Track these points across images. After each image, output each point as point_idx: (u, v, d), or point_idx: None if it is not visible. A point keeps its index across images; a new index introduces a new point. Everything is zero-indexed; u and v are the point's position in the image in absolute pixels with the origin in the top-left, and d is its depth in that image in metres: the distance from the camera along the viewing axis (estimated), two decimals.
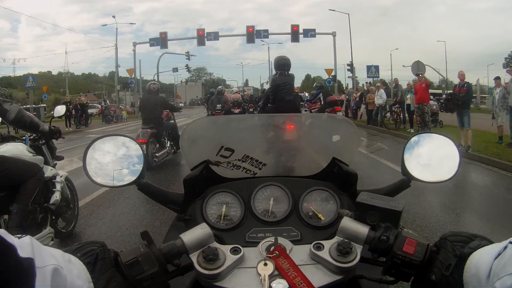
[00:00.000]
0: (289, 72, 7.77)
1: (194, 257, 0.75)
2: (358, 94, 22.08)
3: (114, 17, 35.25)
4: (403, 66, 33.78)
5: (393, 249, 0.72)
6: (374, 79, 26.73)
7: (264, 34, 30.64)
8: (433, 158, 1.03)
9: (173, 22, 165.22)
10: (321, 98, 15.72)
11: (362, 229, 0.76)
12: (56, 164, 4.10)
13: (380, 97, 17.19)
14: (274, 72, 8.19)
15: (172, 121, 10.19)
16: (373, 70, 26.62)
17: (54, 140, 4.09)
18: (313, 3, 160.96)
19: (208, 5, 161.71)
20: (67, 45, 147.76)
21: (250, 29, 29.70)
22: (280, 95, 7.53)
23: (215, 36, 30.91)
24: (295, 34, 29.41)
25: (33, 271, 0.49)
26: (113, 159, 1.05)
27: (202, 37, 30.22)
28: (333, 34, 31.48)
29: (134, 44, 34.89)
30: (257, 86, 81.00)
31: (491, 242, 0.66)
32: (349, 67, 31.77)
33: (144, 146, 7.45)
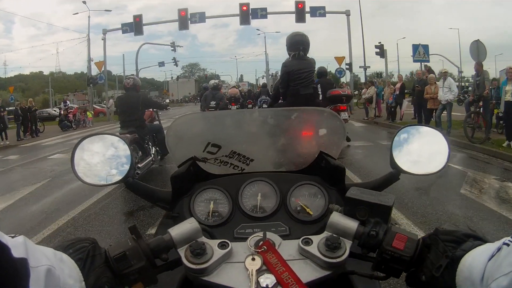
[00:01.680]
0: (307, 55, 5.87)
1: (182, 251, 0.74)
2: (399, 85, 16.02)
3: (85, 2, 31.05)
4: (411, 56, 29.04)
5: (382, 244, 0.71)
6: (424, 63, 18.66)
7: (261, 13, 24.43)
8: (422, 150, 1.02)
9: (167, 18, 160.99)
10: (320, 92, 9.75)
11: (351, 224, 0.76)
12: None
13: (448, 90, 11.25)
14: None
15: (157, 122, 8.67)
16: (421, 51, 19.36)
17: None
18: None
19: (203, 1, 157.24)
20: (61, 44, 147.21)
21: (245, 8, 23.57)
22: (294, 87, 5.71)
23: (200, 17, 24.53)
24: (300, 13, 23.38)
25: (27, 271, 0.50)
26: (100, 158, 1.05)
27: (184, 19, 24.20)
28: (347, 13, 25.82)
29: (104, 32, 28.25)
30: (253, 81, 76.47)
31: (484, 242, 0.65)
32: (378, 49, 26.11)
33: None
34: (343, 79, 26.82)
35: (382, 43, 26.33)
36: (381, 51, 26.33)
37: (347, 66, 26.27)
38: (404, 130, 1.04)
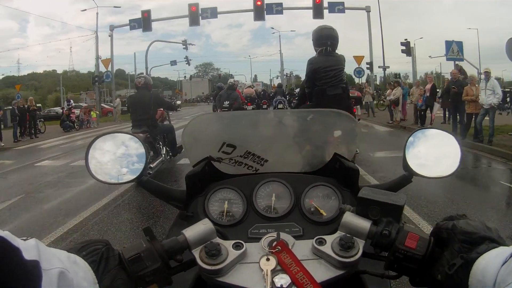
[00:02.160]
0: (336, 52, 5.27)
1: (196, 252, 0.75)
2: (429, 86, 14.49)
3: None
4: (429, 57, 27.39)
5: (395, 243, 0.72)
6: (457, 62, 16.46)
7: (277, 8, 23.01)
8: (434, 153, 1.03)
9: (181, 18, 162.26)
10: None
11: (364, 224, 0.76)
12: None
13: (492, 93, 9.66)
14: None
15: (167, 122, 8.68)
16: (455, 48, 16.85)
17: None
18: None
19: (215, 1, 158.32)
20: (75, 43, 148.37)
21: (259, 2, 22.37)
22: (320, 87, 5.13)
23: (212, 13, 23.57)
24: (318, 9, 22.13)
25: (39, 274, 0.49)
26: (114, 156, 1.05)
27: (195, 15, 23.20)
28: (367, 10, 25.04)
29: (111, 28, 27.28)
30: (267, 82, 75.23)
31: (499, 244, 0.66)
32: (404, 47, 24.15)
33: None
34: (360, 79, 26.04)
35: (408, 40, 24.53)
36: (407, 49, 24.42)
37: (368, 66, 24.75)
38: (418, 133, 1.04)
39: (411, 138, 1.03)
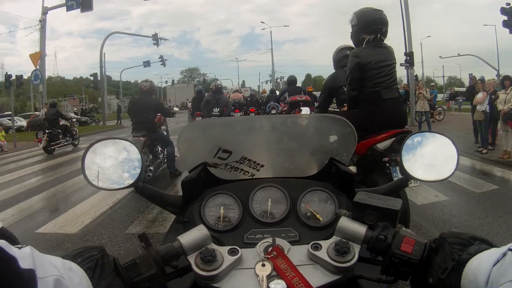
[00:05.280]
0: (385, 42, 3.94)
1: (192, 258, 0.77)
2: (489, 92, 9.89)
3: None
4: (440, 57, 24.81)
5: (391, 248, 0.74)
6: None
7: None
8: (431, 157, 1.05)
9: (170, 25, 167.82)
10: (287, 98, 12.43)
11: (360, 229, 0.78)
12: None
13: None
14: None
15: (164, 127, 9.01)
16: None
17: None
18: (312, 3, 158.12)
19: (206, 6, 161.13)
20: (65, 49, 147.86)
21: None
22: (373, 89, 3.80)
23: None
24: None
25: (34, 283, 0.51)
26: (111, 162, 1.08)
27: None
28: None
29: (44, 11, 22.65)
30: (256, 87, 74.79)
31: (490, 246, 0.68)
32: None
33: None
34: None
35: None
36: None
37: (408, 58, 18.79)
38: (414, 137, 1.07)
39: (408, 141, 1.07)
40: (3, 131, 16.14)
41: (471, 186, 6.60)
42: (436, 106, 15.71)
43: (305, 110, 9.10)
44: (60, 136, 14.27)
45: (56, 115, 14.18)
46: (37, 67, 20.71)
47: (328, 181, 1.18)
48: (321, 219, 1.07)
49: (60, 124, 14.25)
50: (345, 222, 0.80)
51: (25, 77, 20.92)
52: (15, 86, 19.41)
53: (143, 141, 7.22)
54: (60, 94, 61.17)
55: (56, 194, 7.43)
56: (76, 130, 15.70)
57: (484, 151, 9.78)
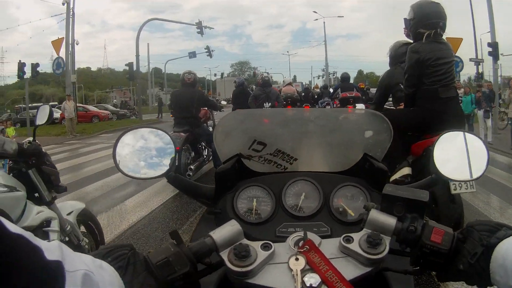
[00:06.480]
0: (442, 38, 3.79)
1: (224, 254, 0.76)
2: None
3: None
4: (501, 55, 20.44)
5: (421, 239, 0.75)
6: None
7: None
8: (462, 156, 1.06)
9: (222, 18, 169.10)
10: (339, 95, 12.07)
11: (390, 221, 0.79)
12: (55, 198, 2.73)
13: None
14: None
15: (211, 122, 8.75)
16: None
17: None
18: None
19: (258, 0, 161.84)
20: (116, 41, 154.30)
21: None
22: (430, 87, 3.67)
23: None
24: None
25: (62, 274, 0.49)
26: (143, 151, 1.08)
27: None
28: None
29: None
30: (307, 82, 73.05)
31: None
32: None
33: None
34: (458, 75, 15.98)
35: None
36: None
37: (490, 49, 15.42)
38: (446, 136, 1.07)
39: (439, 140, 1.06)
40: (11, 127, 14.25)
41: None
42: None
43: (360, 107, 8.81)
44: None
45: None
46: (60, 54, 19.37)
47: (361, 177, 1.17)
48: (353, 214, 1.07)
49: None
50: (375, 214, 0.80)
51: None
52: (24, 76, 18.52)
53: (184, 137, 6.67)
54: (109, 85, 63.28)
55: None
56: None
57: None
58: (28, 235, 0.47)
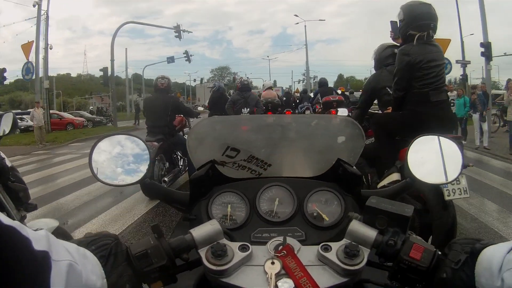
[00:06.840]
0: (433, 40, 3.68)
1: (202, 252, 0.77)
2: None
3: None
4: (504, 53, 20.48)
5: (400, 254, 0.75)
6: None
7: None
8: (437, 160, 1.06)
9: (204, 24, 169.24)
10: (320, 100, 12.14)
11: (370, 233, 0.79)
12: (25, 217, 2.66)
13: None
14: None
15: (187, 129, 8.00)
16: None
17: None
18: (348, 3, 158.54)
19: (240, 6, 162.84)
20: (97, 47, 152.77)
21: None
22: (420, 90, 3.58)
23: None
24: None
25: (48, 264, 0.51)
26: (118, 158, 1.08)
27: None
28: None
29: None
30: (287, 87, 72.66)
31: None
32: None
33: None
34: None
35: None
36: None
37: (483, 50, 15.17)
38: (421, 140, 1.08)
39: (414, 144, 1.07)
40: None
41: None
42: None
43: (342, 111, 8.89)
44: None
45: None
46: (28, 61, 18.33)
47: (335, 181, 1.18)
48: (327, 219, 1.08)
49: None
50: (356, 226, 0.80)
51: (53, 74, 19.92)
52: None
53: (158, 147, 6.32)
54: (88, 91, 62.48)
55: None
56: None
57: None
58: (18, 225, 0.48)
